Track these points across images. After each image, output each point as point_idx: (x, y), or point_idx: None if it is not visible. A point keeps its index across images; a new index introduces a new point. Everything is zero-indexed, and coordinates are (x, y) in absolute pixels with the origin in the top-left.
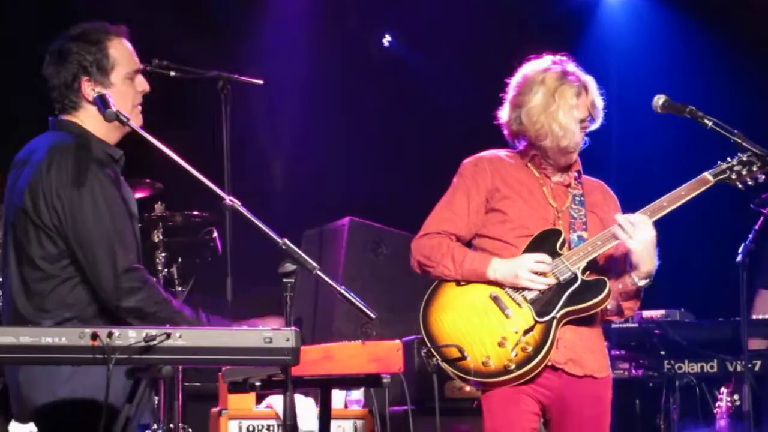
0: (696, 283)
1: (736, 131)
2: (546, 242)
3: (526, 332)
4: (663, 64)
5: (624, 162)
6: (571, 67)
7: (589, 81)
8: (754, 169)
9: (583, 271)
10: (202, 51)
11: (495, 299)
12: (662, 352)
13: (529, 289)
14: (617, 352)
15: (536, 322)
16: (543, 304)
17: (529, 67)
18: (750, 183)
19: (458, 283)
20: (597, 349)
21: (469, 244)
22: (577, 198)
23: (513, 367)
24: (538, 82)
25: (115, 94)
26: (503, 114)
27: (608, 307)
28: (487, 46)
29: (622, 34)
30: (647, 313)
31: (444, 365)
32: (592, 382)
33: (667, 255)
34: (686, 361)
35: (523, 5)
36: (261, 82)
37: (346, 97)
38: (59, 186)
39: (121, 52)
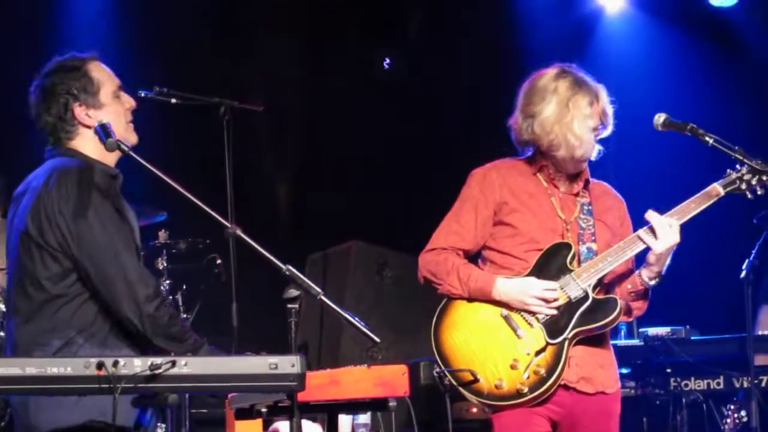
0: (701, 300)
1: (737, 147)
2: (556, 256)
3: (537, 353)
4: (663, 80)
5: (623, 179)
6: (581, 74)
7: (600, 89)
8: (765, 178)
9: (594, 288)
10: (203, 77)
11: (506, 318)
12: (668, 370)
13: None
14: (623, 371)
15: (548, 343)
16: (554, 324)
17: (540, 76)
18: (759, 192)
19: (468, 299)
20: (607, 364)
21: (477, 255)
22: (585, 207)
23: (526, 390)
24: (551, 91)
25: (108, 114)
26: (513, 122)
27: None
28: (488, 66)
29: (622, 50)
30: (653, 331)
31: (457, 387)
32: (602, 397)
33: (672, 272)
34: (692, 378)
35: (522, 22)
36: (261, 108)
37: (349, 119)
38: (61, 203)
39: (101, 72)
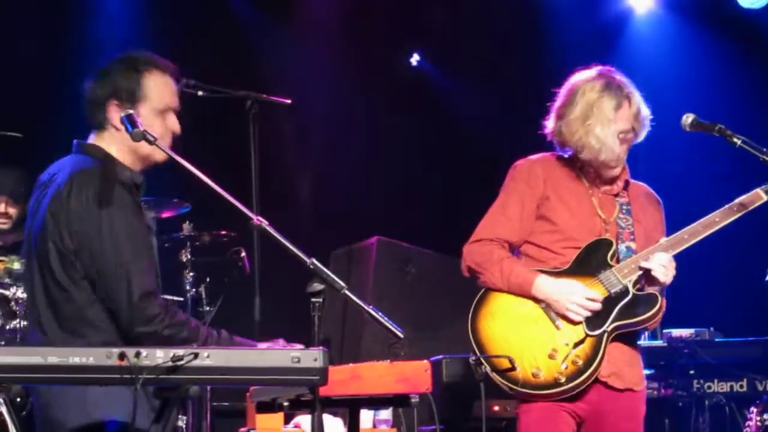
0: (725, 303)
1: (765, 149)
2: (597, 252)
3: (576, 345)
4: (692, 82)
5: (653, 180)
6: (616, 77)
7: (634, 92)
8: None
9: (633, 284)
10: (230, 71)
11: (545, 310)
12: (692, 372)
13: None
14: (646, 371)
15: (587, 335)
16: (594, 316)
17: (575, 78)
18: None
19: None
20: (635, 362)
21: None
22: (624, 207)
23: (563, 380)
24: (580, 93)
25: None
26: (549, 123)
27: None
28: (516, 66)
29: (650, 51)
30: (677, 332)
31: (493, 374)
32: (630, 395)
33: (697, 274)
34: (716, 381)
35: (551, 23)
36: (288, 101)
37: (373, 116)
38: (79, 210)
39: (158, 86)
